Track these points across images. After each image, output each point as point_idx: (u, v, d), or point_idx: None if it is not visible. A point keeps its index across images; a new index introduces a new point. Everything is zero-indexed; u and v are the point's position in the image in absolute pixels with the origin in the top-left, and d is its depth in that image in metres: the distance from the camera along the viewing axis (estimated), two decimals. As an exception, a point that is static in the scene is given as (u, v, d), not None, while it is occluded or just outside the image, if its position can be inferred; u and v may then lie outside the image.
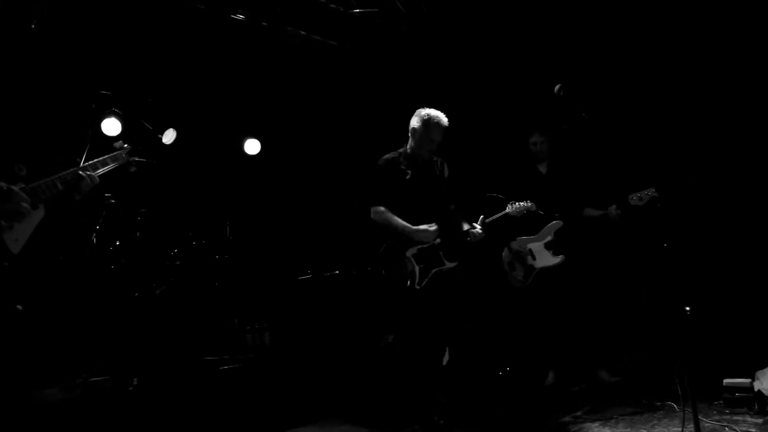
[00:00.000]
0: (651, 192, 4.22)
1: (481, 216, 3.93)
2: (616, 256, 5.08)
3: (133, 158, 2.80)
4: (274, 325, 5.53)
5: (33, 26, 2.12)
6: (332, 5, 5.54)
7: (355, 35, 5.97)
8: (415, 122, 3.84)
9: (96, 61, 5.44)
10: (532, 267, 4.50)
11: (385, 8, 5.73)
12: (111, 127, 5.58)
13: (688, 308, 4.06)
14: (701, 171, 4.77)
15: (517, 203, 4.05)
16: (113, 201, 4.87)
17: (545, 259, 4.48)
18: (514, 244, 4.59)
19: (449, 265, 3.77)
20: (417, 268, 3.70)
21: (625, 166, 4.92)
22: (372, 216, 3.84)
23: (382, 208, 3.80)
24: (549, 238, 4.48)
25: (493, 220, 4.01)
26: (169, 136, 6.02)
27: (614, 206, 4.34)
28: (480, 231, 3.84)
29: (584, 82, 4.39)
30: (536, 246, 4.52)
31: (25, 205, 2.04)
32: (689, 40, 4.78)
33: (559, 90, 3.73)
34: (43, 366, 4.17)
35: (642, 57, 5.02)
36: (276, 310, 5.79)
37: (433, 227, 3.71)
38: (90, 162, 2.53)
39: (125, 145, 2.79)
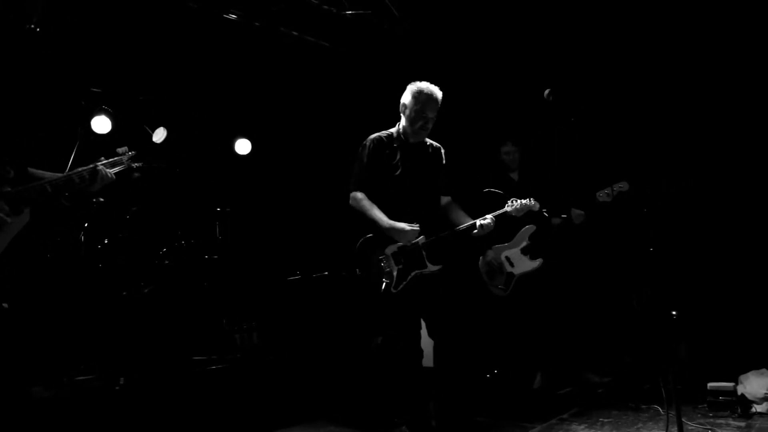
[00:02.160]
0: (620, 186, 4.19)
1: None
2: (598, 256, 5.10)
3: (136, 164, 2.71)
4: (262, 325, 5.53)
5: (32, 26, 2.06)
6: (325, 6, 5.55)
7: (347, 37, 5.99)
8: (405, 97, 3.46)
9: (87, 58, 5.41)
10: (511, 274, 4.46)
11: (378, 10, 5.75)
12: (101, 124, 5.57)
13: (674, 312, 4.10)
14: (678, 168, 4.78)
15: (518, 201, 3.51)
16: (102, 200, 4.84)
17: (523, 264, 4.45)
18: (489, 254, 4.54)
19: (432, 268, 3.35)
20: (395, 269, 3.29)
21: (597, 163, 4.90)
22: (350, 202, 3.45)
23: (360, 195, 3.40)
24: (524, 243, 4.46)
25: (498, 215, 3.50)
26: (159, 135, 6.01)
27: (577, 210, 4.36)
28: (491, 222, 3.37)
29: (565, 85, 4.40)
30: (512, 252, 4.48)
31: (2, 215, 2.00)
32: (662, 36, 4.82)
33: (548, 95, 3.69)
34: (30, 364, 4.13)
35: (609, 53, 5.05)
36: (265, 311, 5.79)
37: (414, 227, 3.27)
38: (86, 167, 2.45)
39: (129, 152, 2.69)
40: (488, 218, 3.40)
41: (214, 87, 6.18)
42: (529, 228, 4.44)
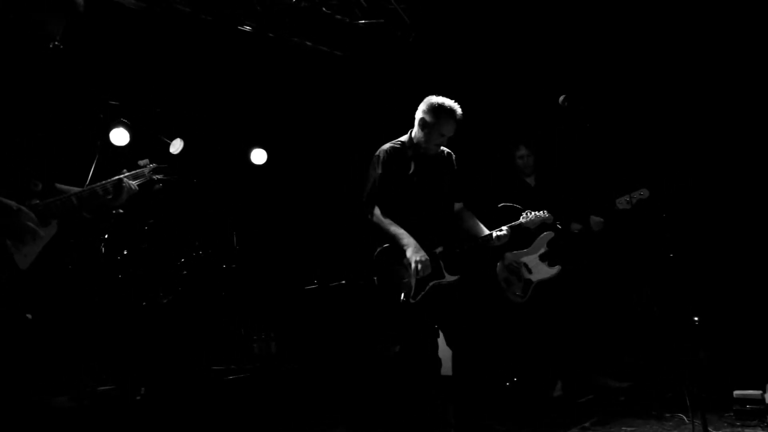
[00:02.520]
0: (640, 194, 4.15)
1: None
2: (617, 263, 5.05)
3: (157, 176, 2.70)
4: (280, 334, 5.54)
5: (56, 43, 2.06)
6: (338, 16, 5.60)
7: (360, 46, 6.02)
8: (425, 111, 3.38)
9: (104, 71, 5.49)
10: (529, 281, 4.43)
11: (391, 19, 5.78)
12: (119, 137, 5.63)
13: (696, 318, 4.05)
14: (699, 172, 4.73)
15: (533, 213, 3.57)
16: (121, 211, 4.89)
17: (542, 271, 4.43)
18: (507, 260, 4.51)
19: (450, 278, 3.32)
20: (413, 280, 3.24)
21: (616, 170, 4.87)
22: (368, 216, 3.42)
23: (377, 210, 3.36)
24: (543, 249, 4.42)
25: (514, 226, 3.54)
26: (176, 146, 6.06)
27: (596, 217, 4.32)
28: (507, 233, 3.38)
29: (580, 90, 4.38)
30: (530, 259, 4.45)
31: (30, 224, 2.00)
32: (683, 40, 4.78)
33: (563, 101, 3.66)
34: (53, 374, 4.18)
35: (625, 57, 5.02)
36: (282, 320, 5.80)
37: (431, 255, 3.23)
38: (110, 180, 2.45)
39: (151, 164, 2.70)
40: (504, 230, 3.41)
41: (229, 98, 6.23)
42: (547, 234, 4.41)
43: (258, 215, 6.33)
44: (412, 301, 3.25)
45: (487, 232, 3.45)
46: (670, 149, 4.83)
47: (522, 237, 4.16)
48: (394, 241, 3.29)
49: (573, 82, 4.77)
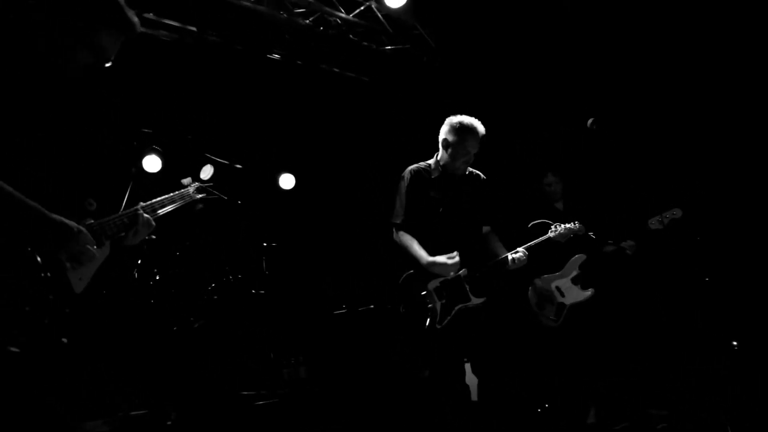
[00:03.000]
0: (673, 213, 4.09)
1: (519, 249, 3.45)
2: (650, 285, 4.96)
3: (200, 195, 2.67)
4: (310, 359, 5.53)
5: (109, 64, 2.07)
6: (365, 43, 5.69)
7: (387, 71, 6.09)
8: (445, 132, 3.40)
9: (138, 100, 5.64)
10: (562, 304, 4.37)
11: (417, 44, 5.85)
12: (152, 164, 5.76)
13: (735, 343, 3.94)
14: (731, 192, 4.63)
15: (561, 225, 3.54)
16: (153, 237, 4.98)
17: (574, 294, 4.36)
18: (539, 284, 4.46)
19: (476, 301, 3.29)
20: (438, 305, 3.24)
21: (647, 190, 4.80)
22: (393, 238, 3.44)
23: (401, 230, 3.39)
24: (575, 272, 4.37)
25: (533, 245, 3.52)
26: (206, 172, 6.16)
27: (629, 241, 4.27)
28: (523, 255, 3.35)
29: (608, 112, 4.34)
30: (562, 282, 4.39)
31: (90, 247, 1.97)
32: (711, 58, 4.73)
33: (592, 124, 3.64)
34: (86, 398, 4.23)
35: (656, 77, 4.97)
36: (312, 345, 5.80)
37: (454, 259, 3.20)
38: (157, 199, 2.43)
39: (194, 183, 2.67)
40: (520, 251, 3.37)
41: (258, 124, 6.34)
42: (579, 257, 4.36)
43: (287, 240, 6.38)
44: (438, 326, 3.23)
45: (504, 254, 3.41)
46: (702, 168, 4.75)
47: (554, 259, 4.16)
48: (416, 261, 3.29)
49: (600, 103, 4.75)
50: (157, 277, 5.03)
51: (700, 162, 4.75)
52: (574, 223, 3.58)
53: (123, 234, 2.21)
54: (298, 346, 5.68)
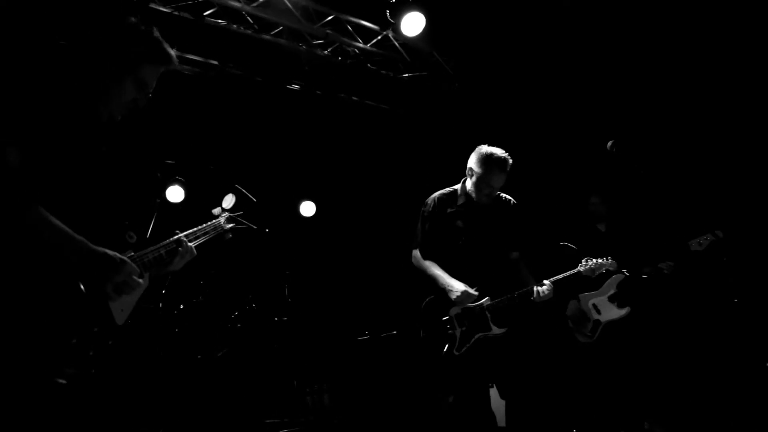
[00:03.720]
0: (714, 235, 4.04)
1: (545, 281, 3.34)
2: (687, 306, 4.89)
3: (230, 225, 2.72)
4: (333, 386, 5.51)
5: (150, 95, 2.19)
6: (383, 71, 5.77)
7: (406, 98, 6.17)
8: (474, 161, 3.34)
9: (161, 132, 5.76)
10: (597, 321, 4.37)
11: (434, 71, 5.92)
12: (175, 194, 5.86)
13: None
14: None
15: (591, 260, 3.48)
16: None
17: (610, 312, 4.35)
18: (576, 301, 4.49)
19: (497, 331, 3.24)
20: (458, 332, 3.22)
21: (686, 213, 4.77)
22: (412, 260, 3.45)
23: (419, 253, 3.40)
24: (612, 291, 4.37)
25: (560, 280, 3.41)
26: (228, 201, 6.25)
27: (667, 262, 4.24)
28: (548, 290, 3.24)
29: (637, 135, 4.34)
30: (599, 300, 4.40)
31: (135, 277, 2.00)
32: (741, 75, 4.70)
33: (611, 146, 3.63)
34: (111, 426, 4.25)
35: (688, 99, 4.96)
36: (335, 372, 5.78)
37: (471, 291, 3.19)
38: (191, 230, 2.50)
39: (224, 213, 2.74)
40: (546, 285, 3.27)
41: (278, 153, 6.43)
42: (617, 277, 4.35)
43: (308, 267, 6.41)
44: (456, 353, 3.22)
45: (529, 286, 3.33)
46: (742, 190, 4.70)
47: (586, 283, 4.10)
48: (434, 282, 3.30)
49: (625, 125, 4.76)
50: (181, 306, 5.08)
51: (740, 182, 4.72)
52: (606, 259, 3.53)
53: (168, 261, 2.28)
54: (321, 373, 5.67)
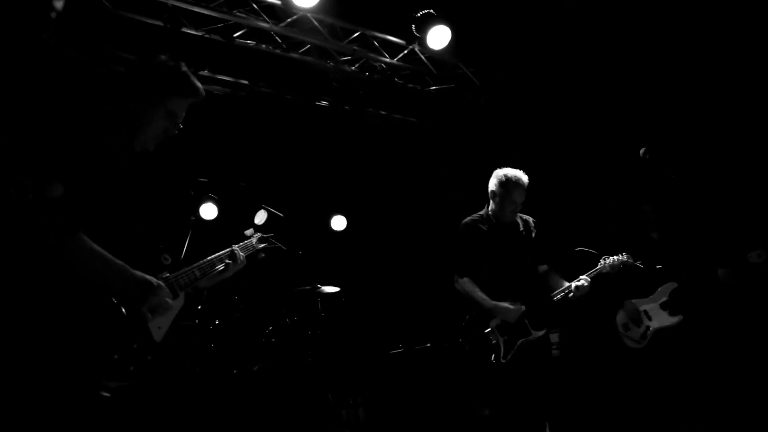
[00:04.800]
0: None
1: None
2: (743, 318, 4.78)
3: (262, 245, 2.86)
4: (368, 400, 5.52)
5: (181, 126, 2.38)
6: (410, 85, 5.82)
7: (433, 111, 6.20)
8: (493, 184, 3.73)
9: (194, 151, 5.89)
10: (648, 328, 4.31)
11: (461, 83, 5.95)
12: (208, 211, 5.97)
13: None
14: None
15: (610, 258, 3.66)
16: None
17: (661, 318, 4.29)
18: (627, 306, 4.42)
19: (536, 334, 3.53)
20: (501, 341, 3.47)
21: (743, 222, 4.68)
22: (455, 286, 3.70)
23: (465, 279, 3.65)
24: (664, 298, 4.32)
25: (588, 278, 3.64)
26: (260, 218, 6.35)
27: (724, 269, 4.17)
28: (586, 284, 3.53)
29: (671, 142, 4.29)
30: (650, 306, 4.34)
31: (168, 300, 2.16)
32: None
33: (644, 153, 3.64)
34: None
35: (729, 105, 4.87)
36: (369, 385, 5.79)
37: (517, 306, 3.50)
38: (224, 251, 2.63)
39: (256, 233, 2.88)
40: (582, 279, 3.56)
41: (308, 169, 6.52)
42: (671, 285, 4.31)
43: (340, 281, 6.45)
44: (503, 361, 3.43)
45: (565, 284, 3.61)
46: None
47: (644, 284, 4.20)
48: (479, 306, 3.54)
49: (657, 131, 4.70)
50: (217, 322, 5.16)
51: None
52: (622, 254, 3.71)
53: (199, 282, 2.44)
54: (355, 386, 5.68)
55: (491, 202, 3.76)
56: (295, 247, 6.32)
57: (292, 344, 5.33)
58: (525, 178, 3.66)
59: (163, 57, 2.31)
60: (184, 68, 2.32)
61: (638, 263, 3.99)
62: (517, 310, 3.48)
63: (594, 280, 3.62)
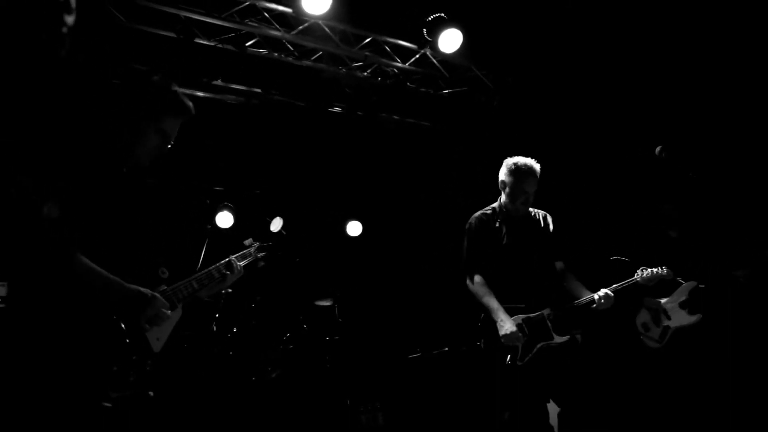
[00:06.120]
0: None
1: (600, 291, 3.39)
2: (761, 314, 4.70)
3: (261, 254, 2.92)
4: (386, 405, 5.50)
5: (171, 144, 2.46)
6: (422, 89, 5.82)
7: (446, 114, 6.19)
8: (503, 173, 3.52)
9: (209, 160, 5.94)
10: (667, 327, 4.25)
11: (474, 86, 5.93)
12: (225, 220, 6.01)
13: None
14: None
15: (648, 270, 3.53)
16: (230, 290, 5.16)
17: (680, 318, 4.22)
18: (648, 304, 4.38)
19: (558, 339, 3.30)
20: (519, 342, 3.28)
21: (762, 220, 4.61)
22: (467, 285, 3.52)
23: (477, 278, 3.44)
24: (684, 297, 4.26)
25: (617, 289, 3.47)
26: (276, 224, 6.37)
27: (743, 269, 4.10)
28: (610, 294, 3.34)
29: (687, 140, 4.23)
30: (670, 305, 4.29)
31: (165, 311, 2.24)
32: None
33: (660, 152, 3.58)
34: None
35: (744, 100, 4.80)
36: (388, 390, 5.77)
37: (514, 332, 3.23)
38: (222, 262, 2.70)
39: (255, 243, 2.93)
40: (604, 292, 3.35)
41: (323, 175, 6.54)
42: (690, 284, 4.24)
43: (357, 286, 6.46)
44: (519, 363, 3.25)
45: (588, 295, 3.41)
46: None
47: (661, 286, 4.05)
48: (488, 313, 3.37)
49: (673, 129, 4.65)
50: (234, 329, 5.19)
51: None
52: (662, 268, 3.56)
53: (198, 293, 2.51)
54: (374, 391, 5.67)
55: (502, 193, 3.56)
56: (311, 254, 6.35)
57: (310, 351, 5.34)
58: (537, 167, 3.45)
59: (155, 77, 2.41)
60: (175, 88, 2.39)
61: (678, 279, 3.90)
62: (519, 339, 3.25)
63: (623, 290, 3.46)
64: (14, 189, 1.83)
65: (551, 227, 3.60)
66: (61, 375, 1.98)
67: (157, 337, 2.27)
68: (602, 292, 3.35)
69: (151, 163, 2.39)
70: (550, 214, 3.68)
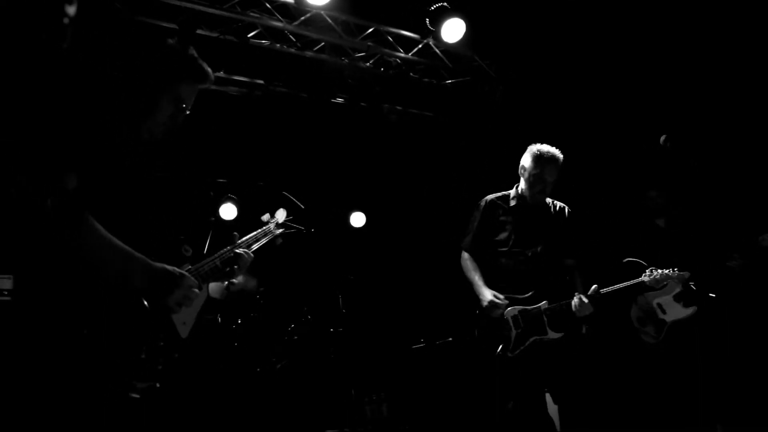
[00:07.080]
0: None
1: (594, 285, 3.28)
2: (759, 304, 4.68)
3: (280, 230, 2.78)
4: (391, 395, 5.53)
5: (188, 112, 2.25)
6: (425, 79, 5.79)
7: (450, 104, 6.17)
8: (525, 159, 3.44)
9: (212, 152, 5.93)
10: (663, 321, 4.23)
11: (477, 76, 5.90)
12: (228, 212, 6.01)
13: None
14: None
15: (656, 271, 3.42)
16: (235, 281, 5.17)
17: (676, 311, 4.20)
18: (640, 300, 4.35)
19: (553, 335, 3.22)
20: (513, 333, 3.23)
21: (750, 207, 4.58)
22: (461, 261, 3.56)
23: (465, 255, 3.50)
24: (678, 290, 4.23)
25: (621, 289, 3.38)
26: (280, 216, 6.37)
27: (736, 256, 4.07)
28: (585, 302, 3.19)
29: (689, 129, 4.20)
30: (664, 299, 4.26)
31: (195, 290, 2.03)
32: None
33: (665, 141, 3.55)
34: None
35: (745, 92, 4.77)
36: (392, 381, 5.79)
37: (498, 302, 3.24)
38: (244, 238, 2.55)
39: (273, 218, 2.80)
40: (578, 298, 3.21)
41: (327, 165, 6.52)
42: (683, 274, 4.21)
43: (361, 277, 6.46)
44: (510, 355, 3.22)
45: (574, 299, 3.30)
46: None
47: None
48: (472, 287, 3.38)
49: (677, 119, 4.62)
50: (239, 321, 5.21)
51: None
52: (673, 270, 3.47)
53: (222, 273, 2.32)
54: (378, 382, 5.69)
55: (521, 179, 3.49)
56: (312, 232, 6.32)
57: (315, 342, 5.36)
58: (560, 156, 3.37)
59: (170, 41, 2.18)
60: (192, 51, 2.18)
61: (691, 284, 3.84)
62: (499, 307, 3.25)
63: (629, 290, 3.37)
64: (14, 189, 1.68)
65: (567, 222, 3.51)
66: (67, 369, 1.80)
67: (184, 321, 2.10)
68: (576, 299, 3.23)
69: (165, 135, 2.17)
70: (571, 210, 3.59)
